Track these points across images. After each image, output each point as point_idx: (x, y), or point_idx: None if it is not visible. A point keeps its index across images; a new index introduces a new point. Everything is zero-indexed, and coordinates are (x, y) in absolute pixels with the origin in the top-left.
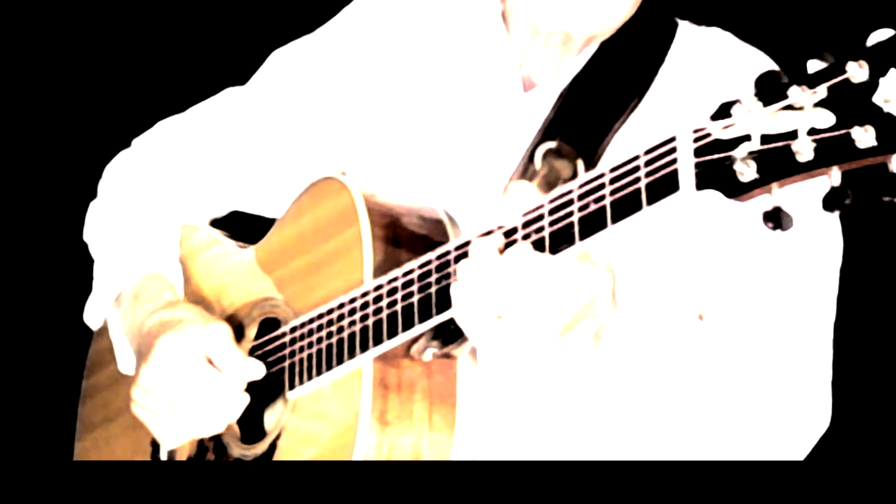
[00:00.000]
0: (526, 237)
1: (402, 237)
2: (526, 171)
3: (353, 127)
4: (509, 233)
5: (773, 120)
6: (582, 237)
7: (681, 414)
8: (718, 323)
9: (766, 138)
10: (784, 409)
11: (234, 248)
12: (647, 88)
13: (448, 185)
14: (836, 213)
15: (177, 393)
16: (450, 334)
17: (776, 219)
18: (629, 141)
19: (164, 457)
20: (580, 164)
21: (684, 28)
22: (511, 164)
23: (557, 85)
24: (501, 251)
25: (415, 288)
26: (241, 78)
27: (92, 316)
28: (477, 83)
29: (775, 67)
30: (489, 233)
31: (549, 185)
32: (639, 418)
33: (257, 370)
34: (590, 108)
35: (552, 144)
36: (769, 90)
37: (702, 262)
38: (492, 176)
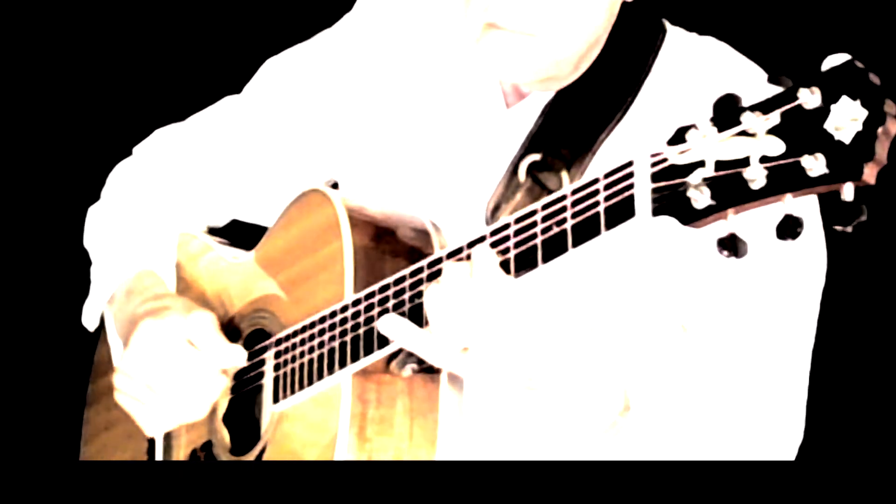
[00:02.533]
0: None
1: (386, 250)
2: (510, 184)
3: (341, 138)
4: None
5: (728, 146)
6: (545, 259)
7: (656, 426)
8: (699, 336)
9: (719, 164)
10: (757, 426)
11: (228, 256)
12: (633, 98)
13: (433, 199)
14: (821, 231)
15: (157, 376)
16: None
17: (732, 246)
18: (615, 152)
19: (158, 456)
20: (565, 175)
21: (674, 34)
22: (495, 178)
23: (540, 99)
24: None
25: (390, 305)
26: (241, 86)
27: (88, 317)
28: (460, 99)
29: (763, 80)
30: (458, 250)
31: (533, 197)
32: (622, 432)
33: (239, 357)
34: (574, 119)
35: (536, 157)
36: (724, 115)
37: (685, 276)
38: (476, 190)
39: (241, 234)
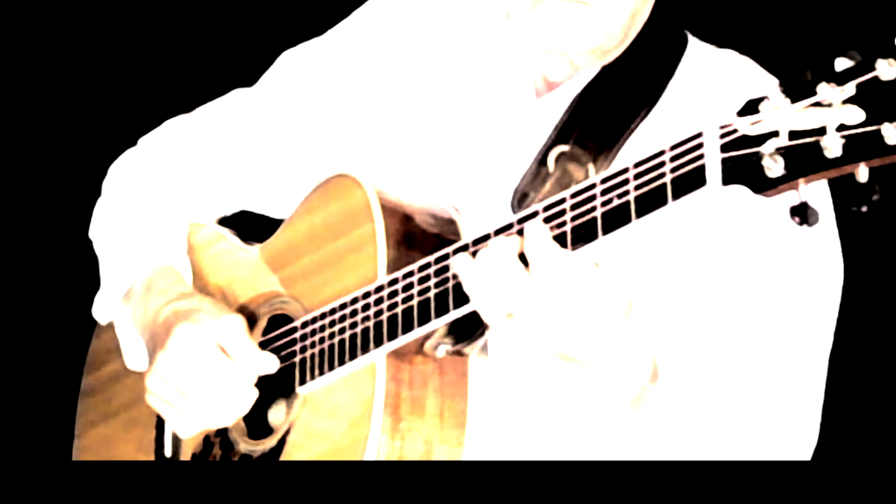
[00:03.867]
0: None
1: (414, 235)
2: (538, 175)
3: (362, 130)
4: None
5: (802, 116)
6: (605, 231)
7: (681, 399)
8: (715, 333)
9: (793, 134)
10: (771, 430)
11: (241, 245)
12: (657, 98)
13: (460, 189)
14: (836, 234)
15: (190, 383)
16: (463, 331)
17: (803, 214)
18: (642, 147)
19: (168, 451)
20: (591, 168)
21: (695, 44)
22: (522, 168)
23: (570, 91)
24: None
25: (431, 283)
26: (250, 79)
27: (101, 310)
28: (489, 88)
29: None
30: (509, 226)
31: (561, 187)
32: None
33: (271, 363)
34: (602, 114)
35: (565, 148)
36: (797, 87)
37: (704, 273)
38: (503, 179)
39: (251, 226)
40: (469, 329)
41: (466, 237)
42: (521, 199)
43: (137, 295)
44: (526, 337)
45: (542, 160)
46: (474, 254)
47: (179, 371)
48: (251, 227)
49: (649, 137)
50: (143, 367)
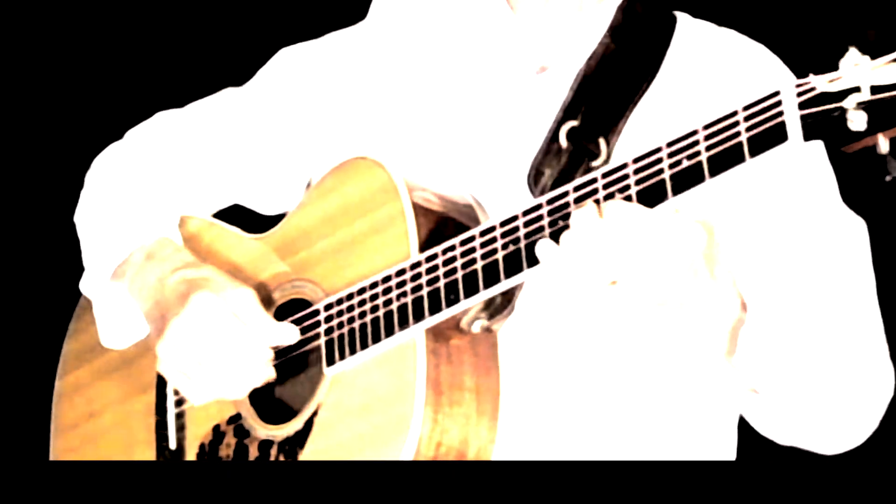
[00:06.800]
0: (609, 197)
1: (436, 216)
2: (550, 151)
3: (359, 123)
4: (589, 194)
5: (883, 72)
6: (676, 192)
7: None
8: (768, 311)
9: (875, 89)
10: (851, 383)
11: (241, 233)
12: (655, 72)
13: (467, 169)
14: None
15: (207, 351)
16: (497, 306)
17: (884, 165)
18: (645, 119)
19: (172, 443)
20: (602, 140)
21: (685, 20)
22: (527, 144)
23: (569, 68)
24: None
25: (478, 255)
26: (241, 80)
27: (89, 285)
28: (488, 69)
29: (775, 58)
30: (563, 195)
31: (577, 161)
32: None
33: (290, 334)
34: (606, 88)
35: (575, 123)
36: (875, 44)
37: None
38: (510, 157)
39: (240, 223)
40: (501, 304)
41: (519, 209)
42: (536, 176)
43: (136, 265)
44: (633, 299)
45: (553, 136)
46: (526, 224)
47: (196, 339)
48: (241, 224)
49: (656, 105)
50: (120, 345)
